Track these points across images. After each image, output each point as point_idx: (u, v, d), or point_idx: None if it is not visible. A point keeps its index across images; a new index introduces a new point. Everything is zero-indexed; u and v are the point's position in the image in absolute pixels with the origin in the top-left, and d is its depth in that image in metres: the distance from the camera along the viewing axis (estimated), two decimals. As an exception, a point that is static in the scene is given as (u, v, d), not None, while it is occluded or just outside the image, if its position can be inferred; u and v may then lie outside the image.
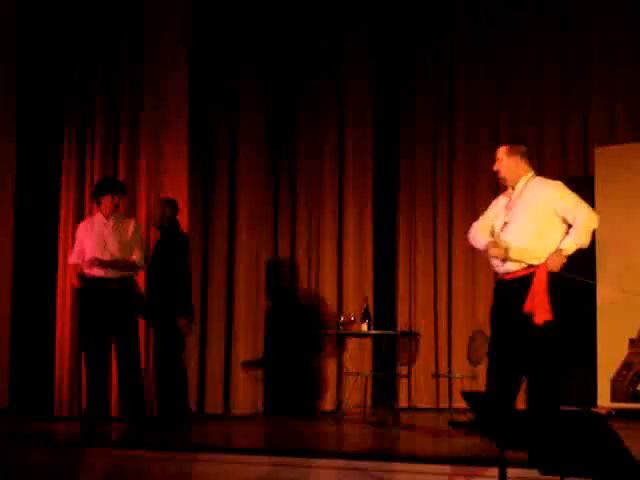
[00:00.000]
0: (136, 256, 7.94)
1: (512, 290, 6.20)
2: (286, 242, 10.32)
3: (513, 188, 6.45)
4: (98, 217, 8.01)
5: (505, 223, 6.33)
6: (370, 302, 9.58)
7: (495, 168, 6.56)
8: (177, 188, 8.85)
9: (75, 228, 8.35)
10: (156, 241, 8.44)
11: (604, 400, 8.74)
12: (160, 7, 9.06)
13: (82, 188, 9.07)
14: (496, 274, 6.42)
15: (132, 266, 7.93)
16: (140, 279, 8.28)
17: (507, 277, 6.26)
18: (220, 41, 9.68)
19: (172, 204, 8.35)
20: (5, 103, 9.46)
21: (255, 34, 9.80)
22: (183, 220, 8.67)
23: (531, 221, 6.25)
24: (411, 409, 9.78)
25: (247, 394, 9.56)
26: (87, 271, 7.87)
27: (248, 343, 9.61)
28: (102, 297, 7.80)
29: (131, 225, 8.02)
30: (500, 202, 6.55)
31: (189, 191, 9.05)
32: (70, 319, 8.93)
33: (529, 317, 6.06)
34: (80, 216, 8.86)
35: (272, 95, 10.12)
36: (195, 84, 9.25)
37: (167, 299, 8.07)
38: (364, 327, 8.98)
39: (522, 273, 6.18)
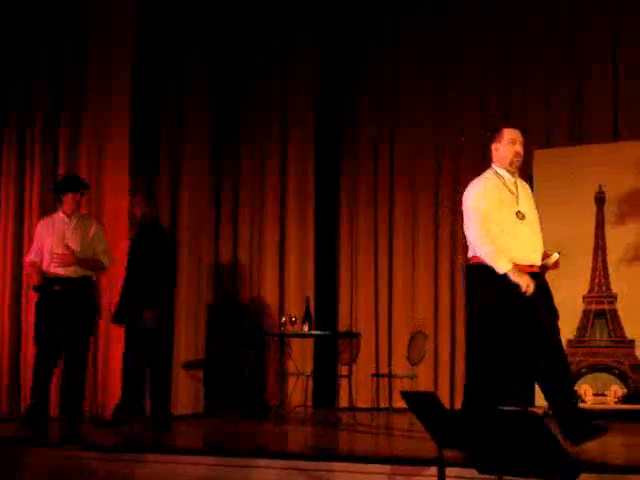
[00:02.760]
0: (104, 256, 7.87)
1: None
2: (228, 242, 10.33)
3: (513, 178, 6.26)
4: (59, 215, 7.90)
5: (521, 214, 6.12)
6: (312, 303, 9.62)
7: (521, 152, 6.26)
8: (119, 188, 8.81)
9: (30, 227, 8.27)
10: (132, 241, 8.34)
11: (542, 400, 8.84)
12: (105, 6, 9.01)
13: (21, 190, 9.03)
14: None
15: (100, 266, 7.85)
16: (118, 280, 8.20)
17: (530, 271, 6.06)
18: (164, 39, 9.59)
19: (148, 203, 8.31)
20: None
21: (201, 33, 9.75)
22: (123, 221, 8.61)
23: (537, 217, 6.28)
24: (351, 409, 9.82)
25: (188, 394, 9.54)
26: (46, 269, 7.76)
27: (189, 343, 9.59)
28: (62, 296, 7.69)
29: (93, 225, 7.93)
30: (502, 193, 6.15)
31: (130, 192, 9.00)
32: (9, 318, 8.86)
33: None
34: (20, 218, 8.81)
35: (217, 96, 10.11)
36: (138, 85, 9.19)
37: (143, 299, 7.97)
38: (305, 328, 9.02)
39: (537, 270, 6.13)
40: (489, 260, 5.92)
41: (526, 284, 5.84)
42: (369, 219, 10.49)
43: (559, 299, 8.60)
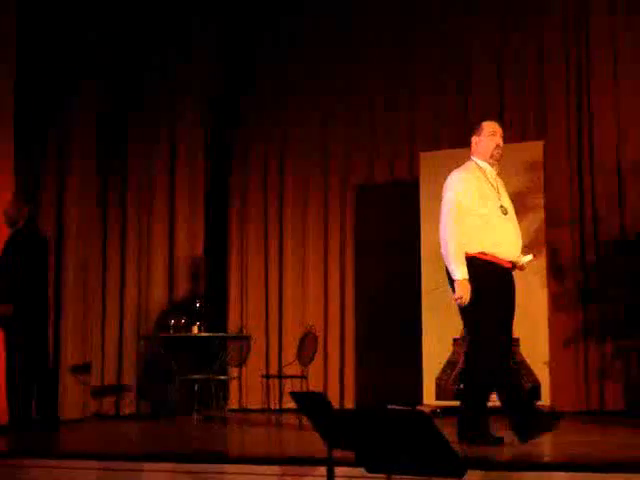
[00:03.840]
0: None
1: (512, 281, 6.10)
2: (116, 243, 10.18)
3: (493, 172, 6.24)
4: None
5: (504, 209, 6.05)
6: (202, 305, 9.57)
7: (501, 144, 6.27)
8: (2, 188, 8.61)
9: None
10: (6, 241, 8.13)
11: (430, 398, 8.96)
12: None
13: None
14: (488, 258, 5.95)
15: None
16: None
17: (509, 266, 6.06)
18: (49, 36, 9.44)
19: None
20: None
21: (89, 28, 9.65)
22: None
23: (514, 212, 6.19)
24: (242, 410, 9.81)
25: (76, 398, 9.39)
26: None
27: (76, 347, 9.43)
28: None
29: None
30: (484, 186, 6.11)
31: (15, 192, 8.81)
32: None
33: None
34: None
35: (104, 95, 9.98)
36: (23, 83, 8.99)
37: (23, 303, 7.77)
38: (195, 329, 8.98)
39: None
40: (447, 262, 5.88)
41: (460, 296, 5.80)
42: (259, 220, 10.49)
43: (445, 298, 8.79)
